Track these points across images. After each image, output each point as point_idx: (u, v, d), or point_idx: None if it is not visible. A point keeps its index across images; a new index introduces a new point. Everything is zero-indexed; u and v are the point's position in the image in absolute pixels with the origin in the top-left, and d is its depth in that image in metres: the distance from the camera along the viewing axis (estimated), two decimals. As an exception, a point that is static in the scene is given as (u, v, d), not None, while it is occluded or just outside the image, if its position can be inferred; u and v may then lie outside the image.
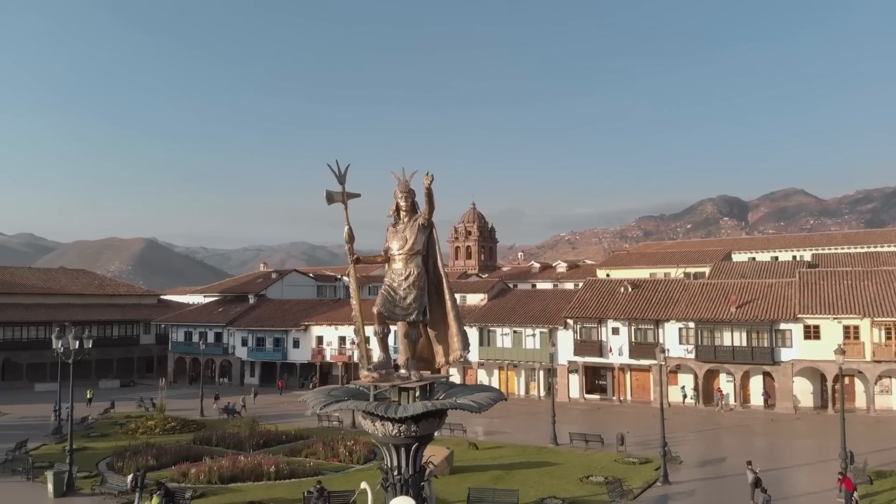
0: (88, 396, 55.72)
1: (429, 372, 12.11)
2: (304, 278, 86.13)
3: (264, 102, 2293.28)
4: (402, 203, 12.20)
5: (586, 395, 54.28)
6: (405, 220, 12.22)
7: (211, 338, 70.74)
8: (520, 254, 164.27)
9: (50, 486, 26.85)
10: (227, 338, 70.25)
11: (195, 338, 70.39)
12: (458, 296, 62.38)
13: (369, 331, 12.00)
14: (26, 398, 57.04)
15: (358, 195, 12.22)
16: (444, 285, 12.33)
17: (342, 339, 62.27)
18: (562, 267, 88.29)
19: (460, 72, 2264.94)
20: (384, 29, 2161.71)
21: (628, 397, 52.99)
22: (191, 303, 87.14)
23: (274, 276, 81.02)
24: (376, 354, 11.74)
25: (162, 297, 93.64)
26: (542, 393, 54.41)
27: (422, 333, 12.33)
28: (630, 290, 55.82)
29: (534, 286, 79.49)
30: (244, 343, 69.15)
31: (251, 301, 74.26)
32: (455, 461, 31.22)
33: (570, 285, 71.89)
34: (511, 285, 76.56)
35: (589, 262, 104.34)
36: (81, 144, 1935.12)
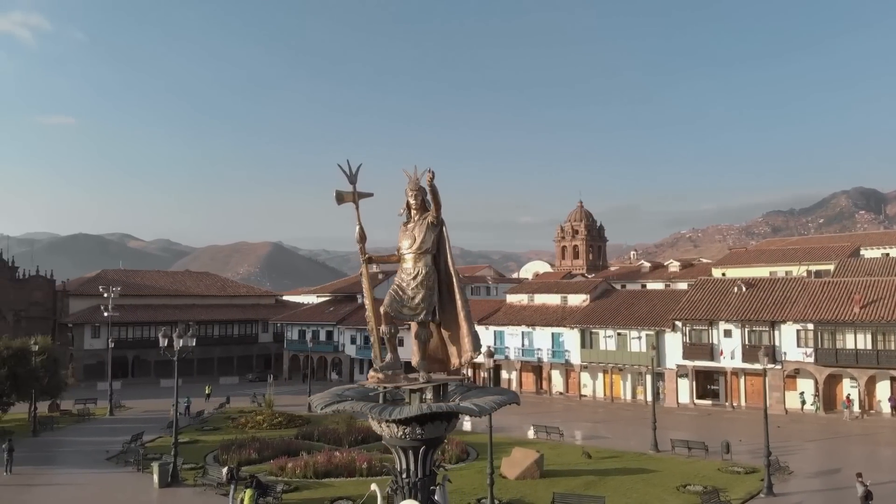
0: (207, 392, 59.06)
1: (444, 374, 11.90)
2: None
3: (379, 102, 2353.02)
4: (412, 201, 12.14)
5: (697, 401, 51.87)
6: (415, 218, 12.21)
7: (322, 336, 73.33)
8: (632, 253, 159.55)
9: (155, 477, 28.49)
10: (338, 336, 72.47)
11: (308, 336, 73.44)
12: (557, 297, 62.60)
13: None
14: (153, 393, 60.99)
15: (370, 194, 12.31)
16: (455, 284, 11.88)
17: (445, 340, 62.74)
18: (674, 266, 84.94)
19: (562, 68, 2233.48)
20: (476, 21, 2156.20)
21: (742, 403, 50.13)
22: (305, 303, 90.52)
23: (380, 276, 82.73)
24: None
25: (279, 297, 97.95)
26: (650, 397, 52.44)
27: (432, 334, 12.19)
28: (744, 289, 52.87)
29: (643, 286, 76.92)
30: (353, 341, 71.06)
31: (359, 301, 76.14)
32: (546, 465, 30.59)
33: (683, 285, 68.85)
34: (619, 286, 74.50)
35: (704, 260, 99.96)
36: (213, 153, 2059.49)
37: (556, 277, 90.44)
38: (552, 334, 59.41)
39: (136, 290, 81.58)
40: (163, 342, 30.23)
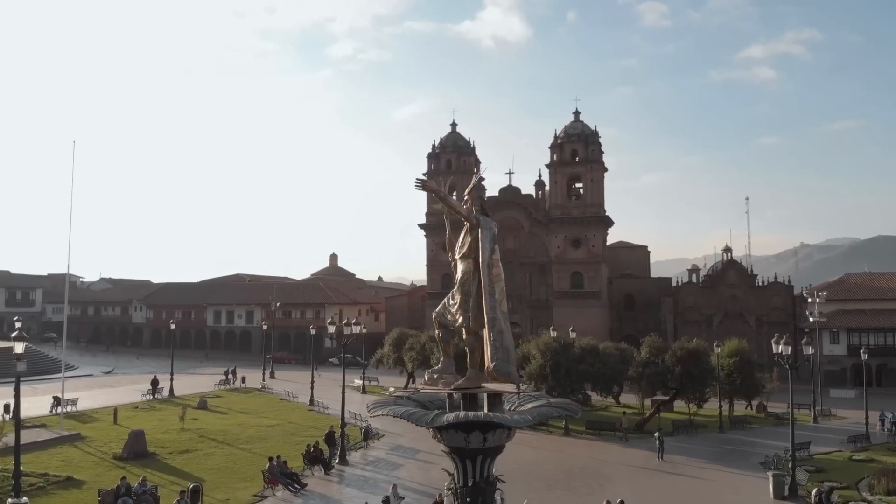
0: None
1: (505, 384, 10.73)
2: None
3: None
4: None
5: None
6: None
7: None
8: None
9: (770, 488, 27.56)
10: None
11: None
12: None
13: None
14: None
15: None
16: (484, 287, 10.90)
17: None
18: None
19: None
20: None
21: None
22: None
23: None
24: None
25: None
26: None
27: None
28: None
29: None
30: None
31: None
32: None
33: None
34: None
35: None
36: None
37: None
38: None
39: (881, 294, 76.28)
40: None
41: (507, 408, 10.82)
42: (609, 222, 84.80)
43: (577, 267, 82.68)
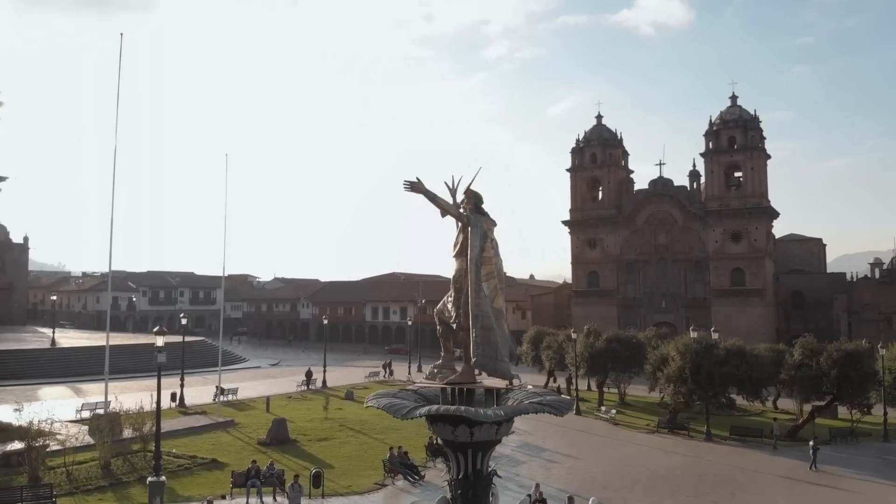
0: None
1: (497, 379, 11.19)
2: None
3: None
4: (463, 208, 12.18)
5: None
6: None
7: None
8: None
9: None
10: None
11: None
12: None
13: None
14: None
15: None
16: (470, 285, 11.06)
17: None
18: None
19: None
20: None
21: None
22: None
23: None
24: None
25: None
26: None
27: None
28: None
29: None
30: None
31: None
32: None
33: None
34: None
35: None
36: None
37: None
38: None
39: None
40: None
41: (511, 404, 10.73)
42: (773, 213, 79.03)
43: (737, 262, 77.80)
